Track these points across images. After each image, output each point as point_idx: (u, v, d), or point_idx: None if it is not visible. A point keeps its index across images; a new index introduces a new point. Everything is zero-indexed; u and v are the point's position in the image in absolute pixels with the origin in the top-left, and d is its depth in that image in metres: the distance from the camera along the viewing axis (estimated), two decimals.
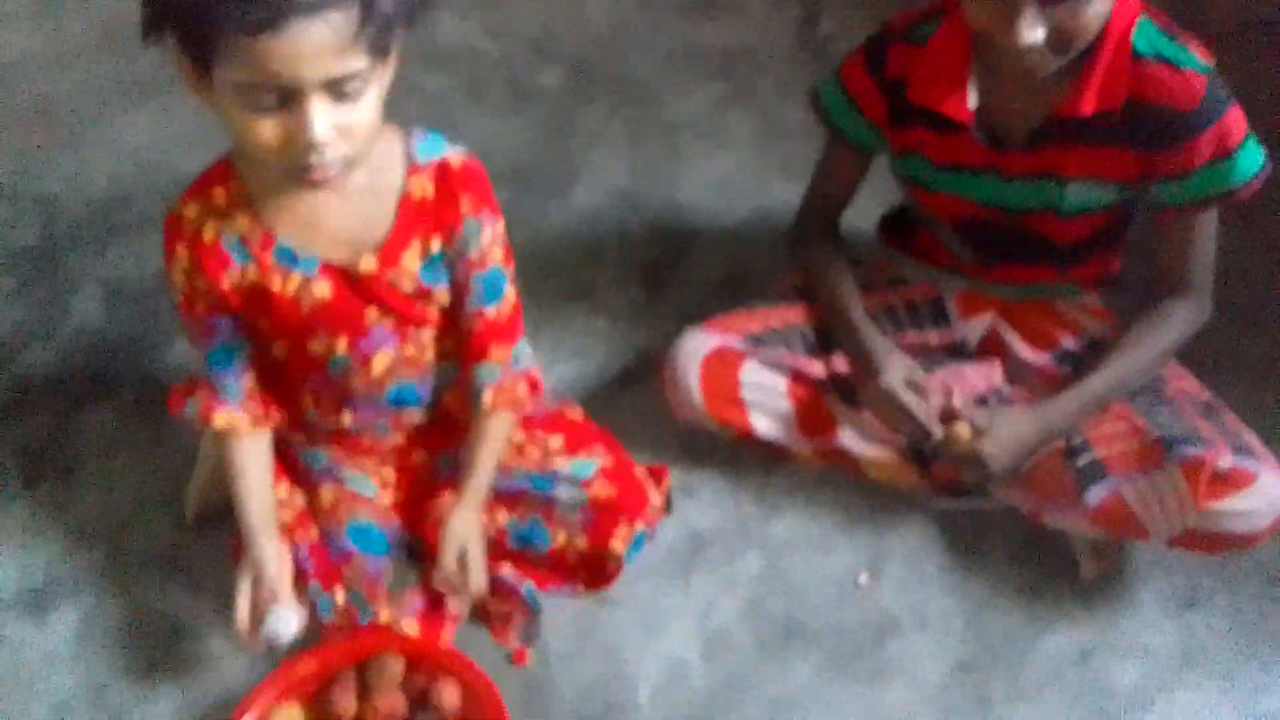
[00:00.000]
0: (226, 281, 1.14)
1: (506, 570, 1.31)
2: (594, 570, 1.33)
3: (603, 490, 1.30)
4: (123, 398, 1.58)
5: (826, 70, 1.41)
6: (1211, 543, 1.25)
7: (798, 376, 1.41)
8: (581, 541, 1.30)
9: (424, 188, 1.15)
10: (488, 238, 1.19)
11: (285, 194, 1.12)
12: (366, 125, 1.01)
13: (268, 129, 0.97)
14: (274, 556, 1.21)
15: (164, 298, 1.69)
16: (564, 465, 1.33)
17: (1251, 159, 1.22)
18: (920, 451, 1.39)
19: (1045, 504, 1.34)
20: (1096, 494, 1.27)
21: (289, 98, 0.95)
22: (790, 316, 1.46)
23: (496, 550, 1.32)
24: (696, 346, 1.41)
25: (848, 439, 1.40)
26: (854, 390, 1.40)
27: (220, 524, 1.39)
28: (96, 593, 1.37)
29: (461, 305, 1.23)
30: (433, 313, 1.23)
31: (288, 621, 1.17)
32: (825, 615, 1.36)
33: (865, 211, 1.53)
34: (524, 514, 1.32)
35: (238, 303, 1.17)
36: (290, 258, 1.14)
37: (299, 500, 1.32)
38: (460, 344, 1.26)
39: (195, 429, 1.36)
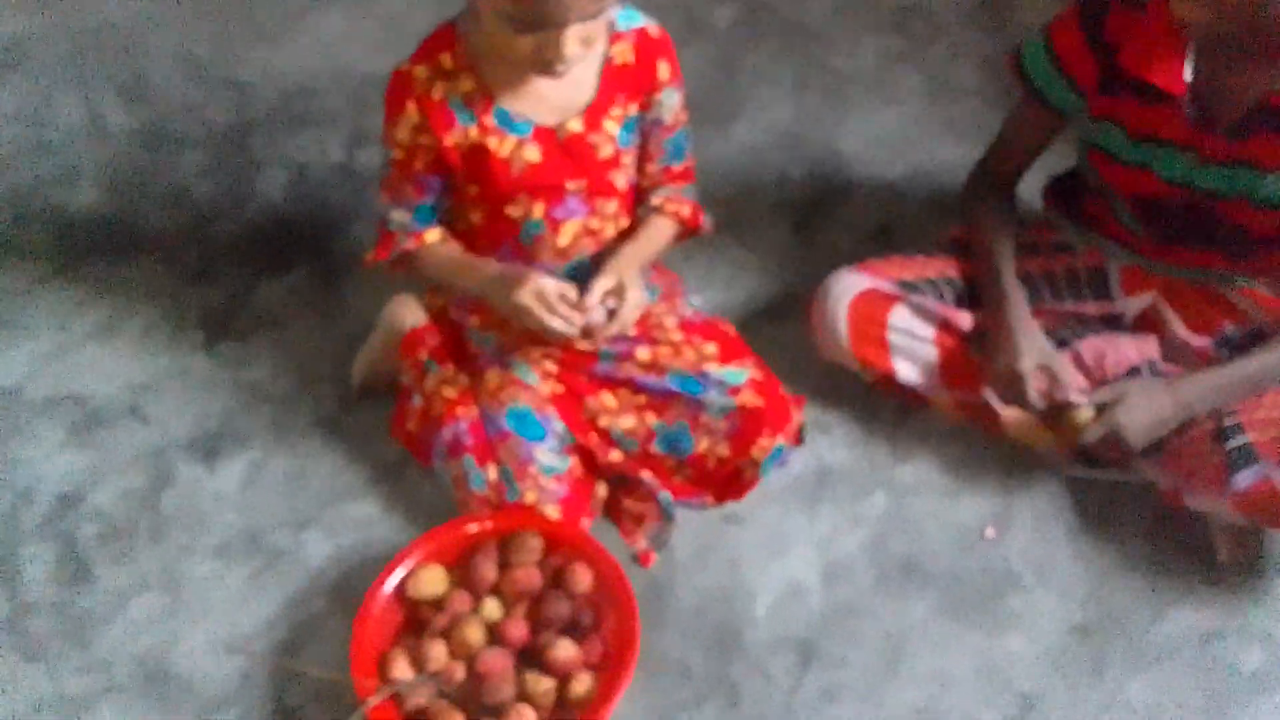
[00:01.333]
0: (450, 139, 1.24)
1: (646, 475, 1.37)
2: (729, 480, 1.37)
3: (750, 399, 1.34)
4: (298, 275, 1.69)
5: (1012, 33, 1.40)
6: None
7: (946, 326, 1.42)
8: (723, 448, 1.35)
9: (625, 54, 1.26)
10: (678, 102, 1.31)
11: (505, 62, 1.20)
12: (601, 29, 1.14)
13: (525, 43, 1.11)
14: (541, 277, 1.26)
15: (343, 185, 1.82)
16: (716, 370, 1.37)
17: None
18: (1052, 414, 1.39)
19: (1189, 484, 1.32)
20: (1245, 479, 1.25)
21: None
22: (945, 268, 1.47)
23: (641, 452, 1.38)
24: (849, 285, 1.43)
25: (990, 394, 1.41)
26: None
27: (381, 400, 1.49)
28: (263, 446, 1.48)
29: (648, 164, 1.34)
30: (619, 182, 1.32)
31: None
32: (946, 561, 1.38)
33: (1034, 179, 1.52)
34: (672, 418, 1.37)
35: (456, 161, 1.26)
36: (507, 121, 1.24)
37: (464, 380, 1.39)
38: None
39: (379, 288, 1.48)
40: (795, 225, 1.78)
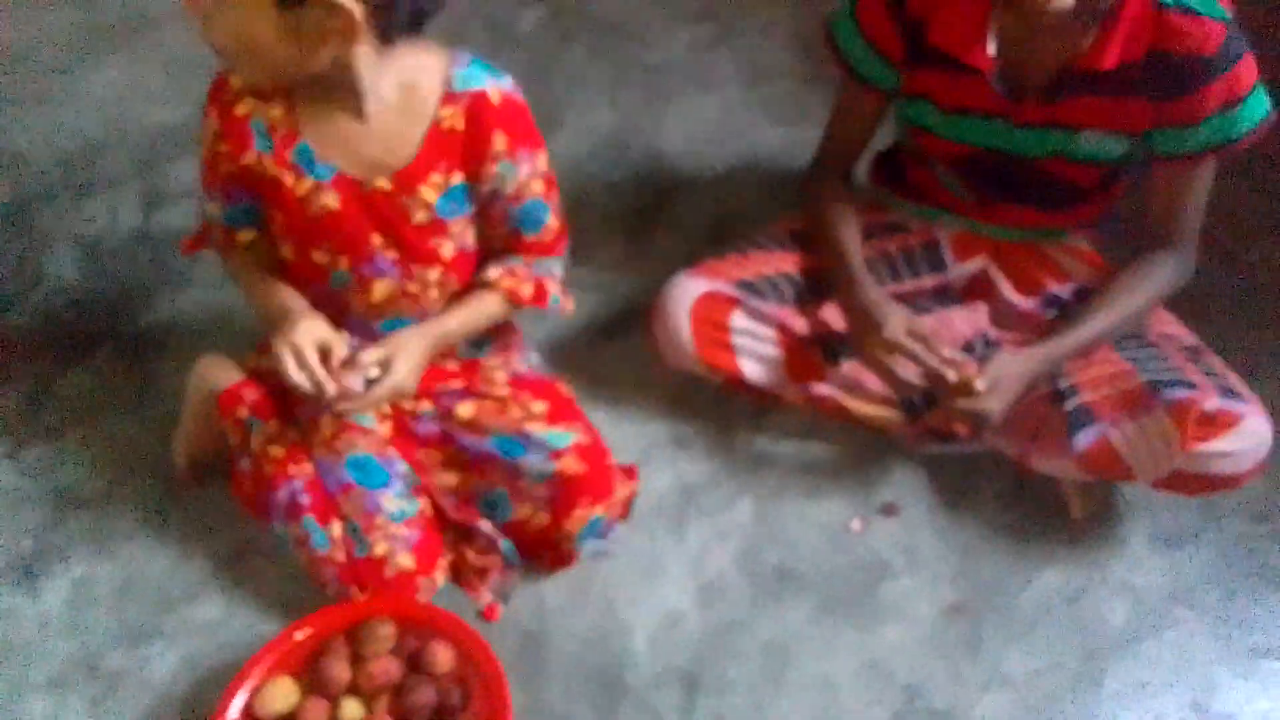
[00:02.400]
0: (245, 160, 1.17)
1: (485, 525, 1.31)
2: (552, 550, 1.33)
3: (572, 465, 1.29)
4: (101, 359, 1.56)
5: (820, 6, 1.37)
6: (1198, 484, 1.26)
7: (786, 326, 1.40)
8: (543, 518, 1.30)
9: (454, 119, 1.16)
10: (524, 174, 1.21)
11: (321, 101, 1.13)
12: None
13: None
14: (312, 314, 1.19)
15: (140, 253, 1.69)
16: (540, 431, 1.31)
17: (1257, 106, 1.21)
18: (911, 402, 1.39)
19: (1033, 448, 1.35)
20: (1085, 439, 1.27)
21: None
22: (781, 263, 1.45)
23: (467, 510, 1.32)
24: (686, 291, 1.39)
25: (835, 387, 1.40)
26: (840, 345, 1.40)
27: (213, 477, 1.39)
28: (86, 559, 1.36)
29: (492, 229, 1.25)
30: (444, 250, 1.24)
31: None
32: (818, 561, 1.37)
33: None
34: (491, 482, 1.31)
35: (250, 184, 1.19)
36: (308, 159, 1.16)
37: (293, 434, 1.31)
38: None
39: (181, 386, 1.37)
40: (627, 234, 1.74)
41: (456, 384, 1.34)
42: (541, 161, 1.23)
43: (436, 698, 1.17)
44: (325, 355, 1.16)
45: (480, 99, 1.16)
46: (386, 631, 1.20)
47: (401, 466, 1.31)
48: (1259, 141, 1.23)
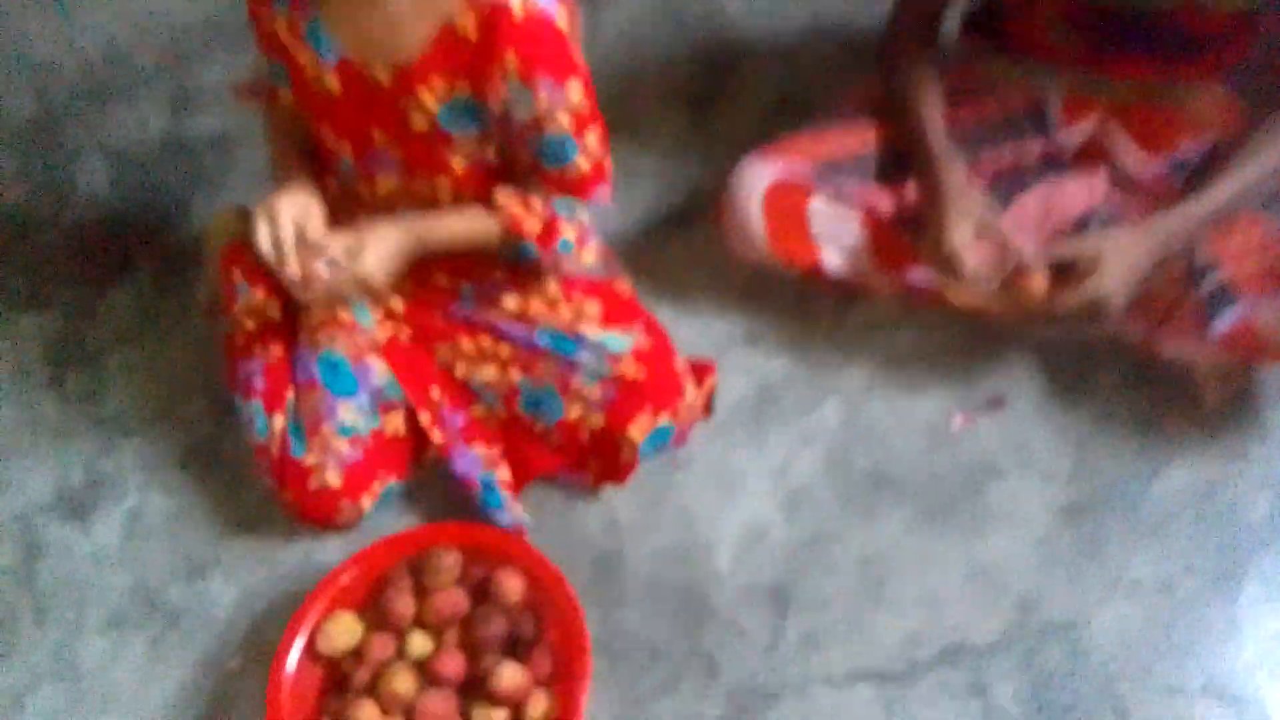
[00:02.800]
0: (265, 25, 1.09)
1: (478, 449, 1.21)
2: (606, 458, 1.21)
3: (631, 370, 1.18)
4: (142, 277, 1.48)
5: None
6: None
7: (871, 207, 1.25)
8: (597, 419, 1.18)
9: (468, 26, 1.02)
10: (544, 103, 1.04)
11: None
12: None
13: None
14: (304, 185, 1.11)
15: (174, 160, 1.60)
16: (595, 334, 1.20)
17: None
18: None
19: (1163, 332, 1.18)
20: (1225, 320, 1.12)
21: None
22: (861, 138, 1.28)
23: (504, 411, 1.22)
24: (757, 178, 1.24)
25: (929, 272, 1.25)
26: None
27: None
28: (138, 490, 1.30)
29: (518, 151, 1.11)
30: (453, 162, 1.11)
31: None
32: (915, 464, 1.25)
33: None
34: (539, 377, 1.20)
35: (269, 51, 1.11)
36: (317, 36, 1.06)
37: (274, 310, 1.23)
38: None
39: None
40: (689, 113, 1.58)
41: (500, 275, 1.22)
42: (574, 93, 1.05)
43: (508, 628, 1.09)
44: (301, 232, 1.06)
45: (500, 11, 1.00)
46: (451, 561, 1.11)
47: (378, 378, 1.21)
48: None
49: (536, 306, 1.22)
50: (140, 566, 1.24)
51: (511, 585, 1.10)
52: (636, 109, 1.58)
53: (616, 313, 1.22)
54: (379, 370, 1.22)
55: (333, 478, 1.17)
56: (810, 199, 1.23)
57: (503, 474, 1.22)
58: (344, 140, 1.12)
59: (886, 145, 1.27)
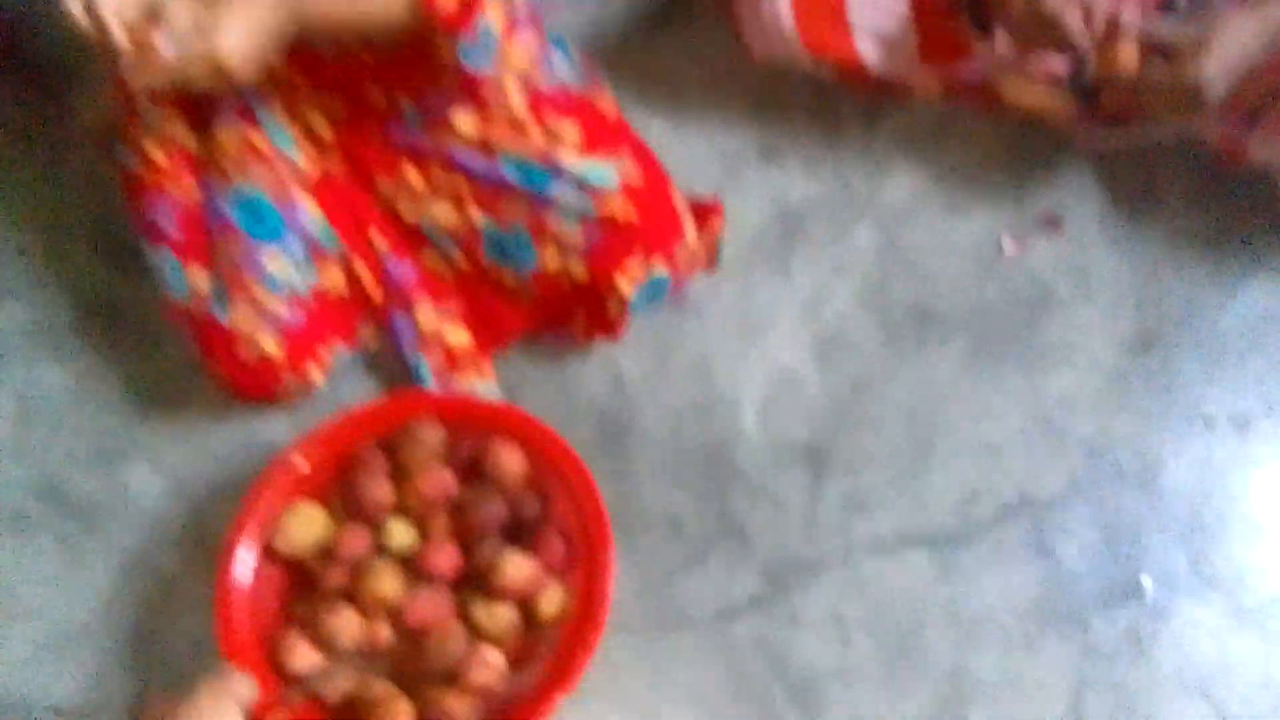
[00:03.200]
0: None
1: (425, 311, 1.01)
2: (592, 314, 1.01)
3: (620, 209, 0.97)
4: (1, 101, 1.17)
5: None
6: None
7: None
8: (578, 269, 0.98)
9: None
10: None
11: None
12: None
13: None
14: None
15: None
16: (574, 163, 0.97)
17: None
18: (1085, 81, 1.04)
19: (1253, 131, 1.01)
20: None
21: None
22: None
23: (466, 261, 1.01)
24: None
25: (984, 66, 1.04)
26: (991, 7, 1.03)
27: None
28: (26, 362, 1.06)
29: None
30: None
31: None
32: (963, 295, 1.07)
33: None
34: (506, 219, 0.99)
35: None
36: None
37: (188, 141, 0.99)
38: None
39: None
40: None
41: (447, 85, 0.97)
42: None
43: (507, 511, 0.91)
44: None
45: None
46: (432, 436, 0.92)
47: (310, 221, 0.99)
48: None
49: (499, 130, 0.98)
50: (39, 455, 1.02)
51: (508, 459, 0.92)
52: None
53: (599, 136, 1.00)
54: (309, 212, 0.99)
55: (269, 345, 0.95)
56: None
57: (435, 357, 1.01)
58: None
59: None
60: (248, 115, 0.98)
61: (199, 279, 0.96)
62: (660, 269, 0.99)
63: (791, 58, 1.05)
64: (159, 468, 1.01)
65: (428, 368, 1.01)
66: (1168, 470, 1.01)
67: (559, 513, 0.92)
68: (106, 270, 1.08)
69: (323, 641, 0.86)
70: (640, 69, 1.15)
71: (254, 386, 0.98)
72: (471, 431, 0.94)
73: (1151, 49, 0.95)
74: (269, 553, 0.90)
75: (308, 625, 0.87)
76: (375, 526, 0.90)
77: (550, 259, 0.98)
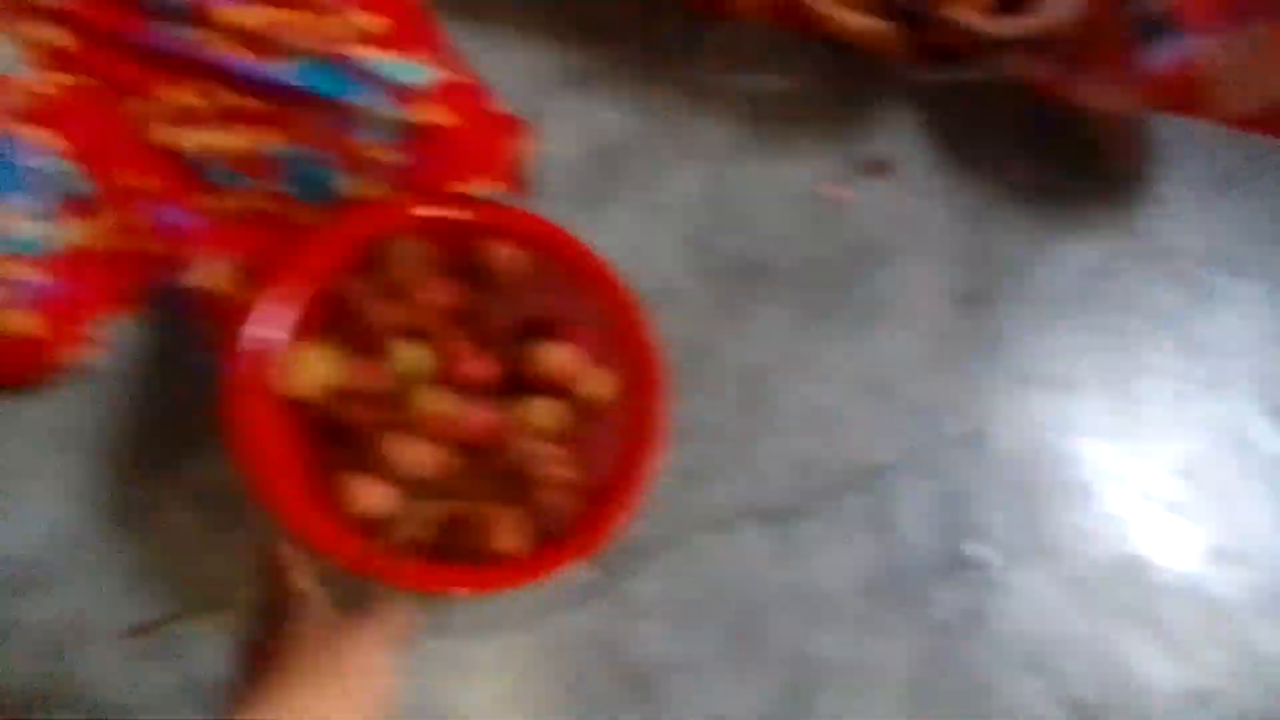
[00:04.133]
0: None
1: (203, 269, 0.82)
2: None
3: (439, 115, 0.80)
4: None
5: None
6: None
7: None
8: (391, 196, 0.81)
9: None
10: None
11: None
12: None
13: None
14: None
15: None
16: (379, 60, 0.79)
17: None
18: (911, 10, 0.97)
19: (1081, 70, 0.98)
20: (1162, 54, 0.93)
21: None
22: None
23: (260, 195, 0.81)
24: None
25: None
26: None
27: None
28: None
29: None
30: None
31: None
32: (792, 245, 0.99)
33: None
34: (304, 138, 0.80)
35: None
36: None
37: None
38: None
39: None
40: None
41: None
42: None
43: (519, 311, 0.82)
44: None
45: None
46: (418, 250, 0.80)
47: (48, 161, 0.77)
48: None
49: (281, 19, 0.78)
50: None
51: (511, 257, 0.81)
52: None
53: (410, 31, 0.82)
54: (45, 147, 0.76)
55: (25, 321, 0.73)
56: None
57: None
58: None
59: None
60: None
61: None
62: (489, 187, 0.83)
63: None
64: None
65: (203, 336, 0.80)
66: (998, 434, 0.97)
67: (578, 303, 0.83)
68: None
69: (390, 474, 0.75)
70: None
71: (13, 371, 0.76)
72: (461, 235, 0.81)
73: None
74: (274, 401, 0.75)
75: (358, 467, 0.74)
76: (384, 354, 0.77)
77: (359, 184, 0.80)
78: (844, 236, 1.00)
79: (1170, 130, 1.07)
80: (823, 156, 1.02)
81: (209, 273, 0.80)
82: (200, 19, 0.78)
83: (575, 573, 0.83)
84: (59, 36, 0.78)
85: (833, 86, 1.03)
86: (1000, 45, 0.97)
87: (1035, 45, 0.98)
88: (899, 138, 1.04)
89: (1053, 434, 0.98)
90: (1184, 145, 1.07)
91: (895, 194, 1.03)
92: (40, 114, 0.77)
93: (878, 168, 1.03)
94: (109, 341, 0.81)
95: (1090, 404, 0.99)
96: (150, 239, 0.80)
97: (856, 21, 0.97)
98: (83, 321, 0.78)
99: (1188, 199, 1.07)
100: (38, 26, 0.78)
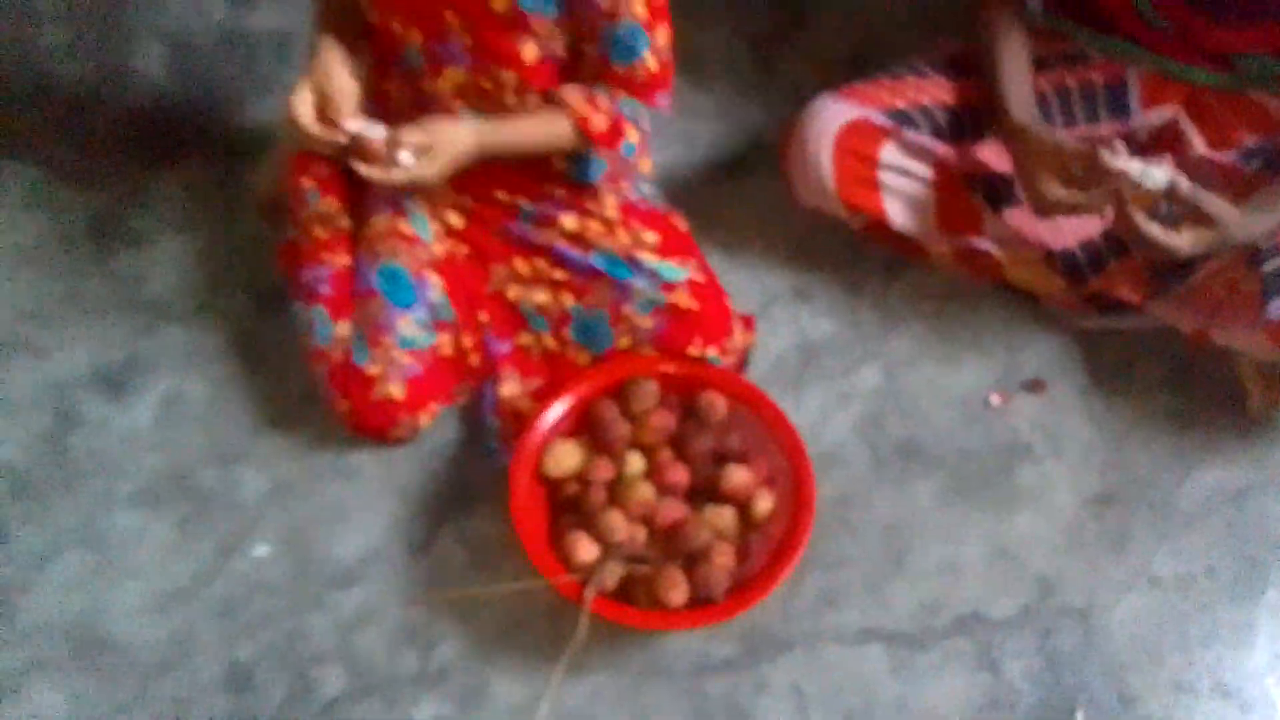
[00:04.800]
0: None
1: (510, 383, 1.22)
2: None
3: (685, 300, 1.18)
4: (193, 165, 1.47)
5: None
6: None
7: (942, 165, 1.24)
8: (647, 350, 1.20)
9: None
10: None
11: None
12: None
13: None
14: (341, 65, 1.11)
15: (231, 53, 1.58)
16: (651, 260, 1.20)
17: None
18: (1075, 265, 1.23)
19: (1217, 318, 1.18)
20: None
21: None
22: (939, 92, 1.27)
23: (554, 336, 1.23)
24: (832, 116, 1.23)
25: (991, 239, 1.24)
26: (1004, 190, 1.23)
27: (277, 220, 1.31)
28: (175, 374, 1.30)
29: (585, 45, 1.11)
30: (525, 52, 1.11)
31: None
32: (949, 437, 1.25)
33: None
34: (591, 303, 1.21)
35: None
36: None
37: (344, 222, 1.23)
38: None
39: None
40: (754, 58, 1.56)
41: (561, 193, 1.22)
42: None
43: (718, 442, 1.15)
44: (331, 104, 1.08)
45: None
46: (653, 386, 1.17)
47: (435, 295, 1.22)
48: None
49: (594, 229, 1.22)
50: (173, 449, 1.25)
51: (717, 404, 1.17)
52: (702, 49, 1.55)
53: (673, 245, 1.23)
54: (435, 286, 1.22)
55: (395, 389, 1.17)
56: (884, 143, 1.22)
57: (505, 423, 1.22)
58: (414, 27, 1.11)
59: (965, 104, 1.26)
60: (398, 207, 1.22)
61: (343, 330, 1.19)
62: (714, 353, 1.20)
63: (830, 209, 1.26)
64: (264, 473, 1.23)
65: (496, 430, 1.22)
66: (1110, 615, 1.14)
67: (758, 443, 1.17)
68: (253, 311, 1.34)
69: (600, 538, 1.09)
70: (705, 208, 1.38)
71: (375, 423, 1.19)
72: (682, 383, 1.19)
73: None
74: (535, 476, 1.15)
75: (581, 529, 1.10)
76: (616, 456, 1.15)
77: (623, 341, 1.20)
78: (997, 436, 1.25)
79: None
80: (988, 370, 1.28)
81: (510, 386, 1.23)
82: (547, 222, 1.24)
83: (722, 646, 1.12)
84: (458, 220, 1.26)
85: (1004, 318, 1.31)
86: (1154, 298, 1.19)
87: (1182, 299, 1.20)
88: (1057, 364, 1.29)
89: (1163, 624, 1.13)
90: None
91: (1048, 408, 1.26)
92: (436, 265, 1.24)
93: (1036, 385, 1.28)
94: (438, 420, 1.24)
95: (1201, 606, 1.14)
96: (481, 356, 1.24)
97: (1030, 275, 1.25)
98: (427, 402, 1.21)
99: None
100: (447, 213, 1.27)
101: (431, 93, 1.16)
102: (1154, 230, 1.08)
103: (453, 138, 1.10)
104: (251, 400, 1.28)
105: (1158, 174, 1.08)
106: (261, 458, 1.24)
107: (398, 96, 1.19)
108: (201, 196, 1.44)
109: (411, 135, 1.08)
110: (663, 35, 1.11)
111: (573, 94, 1.13)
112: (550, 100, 1.14)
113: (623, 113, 1.15)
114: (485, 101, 1.15)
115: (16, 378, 1.30)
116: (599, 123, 1.13)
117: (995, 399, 1.27)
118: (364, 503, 1.22)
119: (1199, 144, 1.24)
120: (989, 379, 1.28)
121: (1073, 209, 1.14)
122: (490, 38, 1.10)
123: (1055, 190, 1.13)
